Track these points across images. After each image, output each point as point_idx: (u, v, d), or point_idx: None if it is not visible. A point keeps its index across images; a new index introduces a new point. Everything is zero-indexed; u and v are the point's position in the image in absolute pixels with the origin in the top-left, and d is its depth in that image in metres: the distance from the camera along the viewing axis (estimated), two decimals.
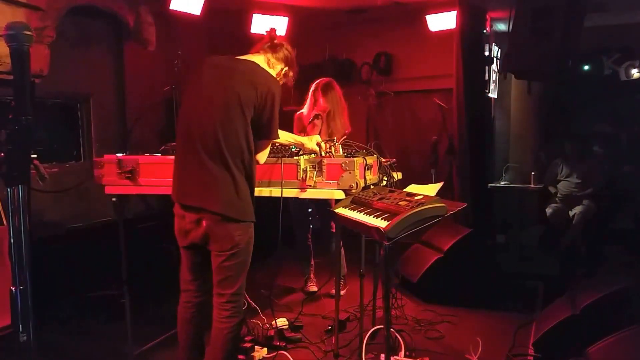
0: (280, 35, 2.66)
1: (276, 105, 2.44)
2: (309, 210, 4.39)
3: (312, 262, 4.47)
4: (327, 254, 4.46)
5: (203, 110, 2.41)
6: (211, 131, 2.36)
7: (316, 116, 3.92)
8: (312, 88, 4.17)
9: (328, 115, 4.09)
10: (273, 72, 2.58)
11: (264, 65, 2.55)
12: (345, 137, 4.07)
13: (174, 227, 2.54)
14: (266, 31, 2.65)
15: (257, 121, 2.41)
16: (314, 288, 4.40)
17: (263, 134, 2.45)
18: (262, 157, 2.55)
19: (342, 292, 4.29)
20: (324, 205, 2.73)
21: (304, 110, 4.22)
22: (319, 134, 4.02)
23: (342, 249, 4.19)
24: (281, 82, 2.62)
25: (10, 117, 1.46)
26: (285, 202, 2.70)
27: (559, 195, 5.74)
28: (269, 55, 2.58)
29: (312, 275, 4.46)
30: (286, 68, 2.64)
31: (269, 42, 2.60)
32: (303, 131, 3.97)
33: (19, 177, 1.47)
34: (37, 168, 1.55)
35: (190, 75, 2.57)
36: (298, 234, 4.38)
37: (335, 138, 3.12)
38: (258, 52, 2.60)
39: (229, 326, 2.45)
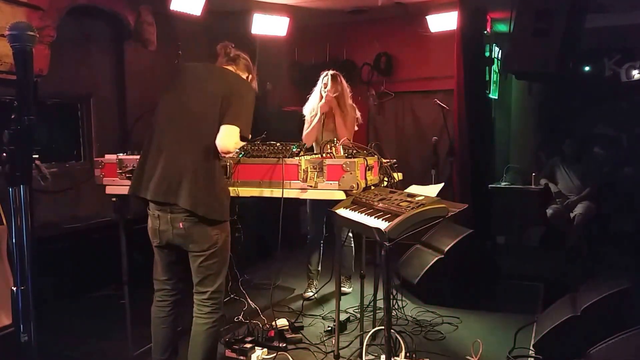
0: (232, 47, 2.70)
1: (244, 98, 2.46)
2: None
3: (319, 267, 4.32)
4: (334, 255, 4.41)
5: (181, 111, 2.47)
6: (188, 131, 2.42)
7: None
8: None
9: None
10: None
11: None
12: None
13: (148, 226, 2.58)
14: (218, 47, 2.71)
15: (225, 109, 2.40)
16: (309, 294, 4.27)
17: (228, 119, 2.39)
18: (225, 140, 2.36)
19: (348, 290, 4.31)
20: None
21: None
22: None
23: (354, 250, 4.19)
24: None
25: (12, 117, 1.45)
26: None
27: (558, 196, 5.74)
28: (234, 67, 2.67)
29: (314, 281, 4.33)
30: (250, 76, 2.73)
31: (226, 56, 2.68)
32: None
33: (21, 178, 1.47)
34: (38, 168, 1.55)
35: (168, 81, 2.65)
36: (312, 229, 4.25)
37: (335, 139, 3.11)
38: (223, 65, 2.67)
39: (210, 321, 2.51)
